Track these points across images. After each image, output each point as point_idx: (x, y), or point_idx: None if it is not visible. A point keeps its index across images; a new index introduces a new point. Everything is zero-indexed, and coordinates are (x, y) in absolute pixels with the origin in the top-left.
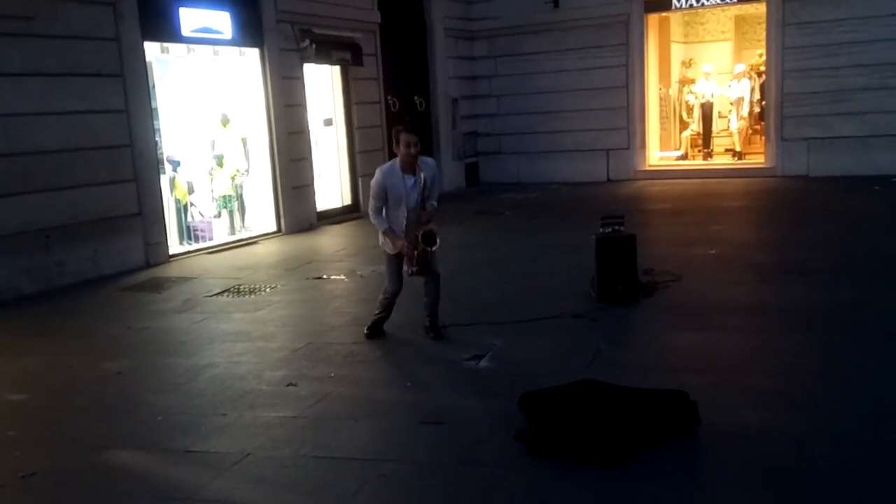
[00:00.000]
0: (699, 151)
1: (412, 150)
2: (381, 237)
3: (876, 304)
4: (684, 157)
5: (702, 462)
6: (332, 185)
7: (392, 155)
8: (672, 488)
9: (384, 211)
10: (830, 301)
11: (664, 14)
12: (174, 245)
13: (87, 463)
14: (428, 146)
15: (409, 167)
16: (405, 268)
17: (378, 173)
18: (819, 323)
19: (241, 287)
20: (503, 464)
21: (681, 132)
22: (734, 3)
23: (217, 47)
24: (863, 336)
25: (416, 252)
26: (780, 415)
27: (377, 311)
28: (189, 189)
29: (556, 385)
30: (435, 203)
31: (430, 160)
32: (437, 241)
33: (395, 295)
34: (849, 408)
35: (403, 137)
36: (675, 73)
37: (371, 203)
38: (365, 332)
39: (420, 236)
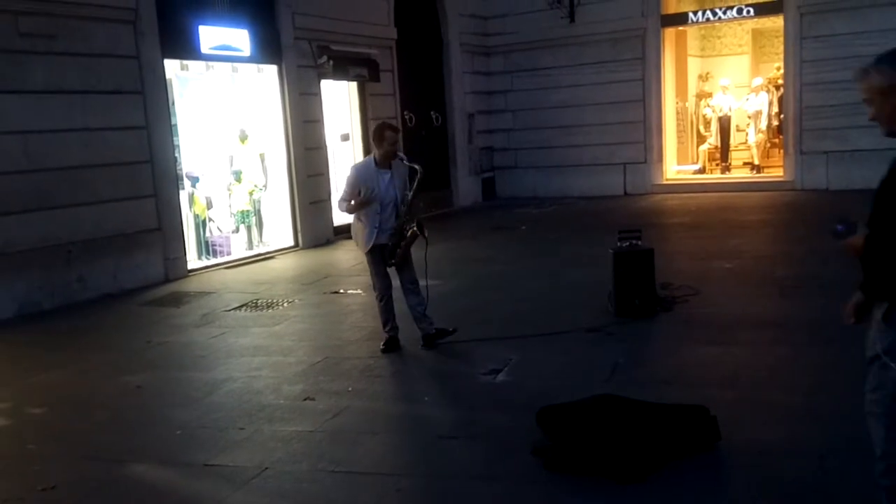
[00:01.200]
0: (717, 165)
1: (396, 147)
2: (354, 234)
3: None
4: (702, 170)
5: (723, 478)
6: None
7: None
8: None
9: (360, 209)
10: None
11: (681, 28)
12: (193, 260)
13: (106, 476)
14: (444, 161)
15: (387, 162)
16: (387, 262)
17: (352, 170)
18: (840, 337)
19: (259, 301)
20: (521, 479)
21: (698, 146)
22: (751, 17)
23: (236, 64)
24: None
25: (401, 243)
26: (802, 430)
27: (385, 328)
28: (208, 204)
29: (575, 400)
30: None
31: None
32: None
33: (387, 294)
34: None
35: (389, 135)
36: (693, 86)
37: (342, 195)
38: (381, 347)
39: (415, 224)
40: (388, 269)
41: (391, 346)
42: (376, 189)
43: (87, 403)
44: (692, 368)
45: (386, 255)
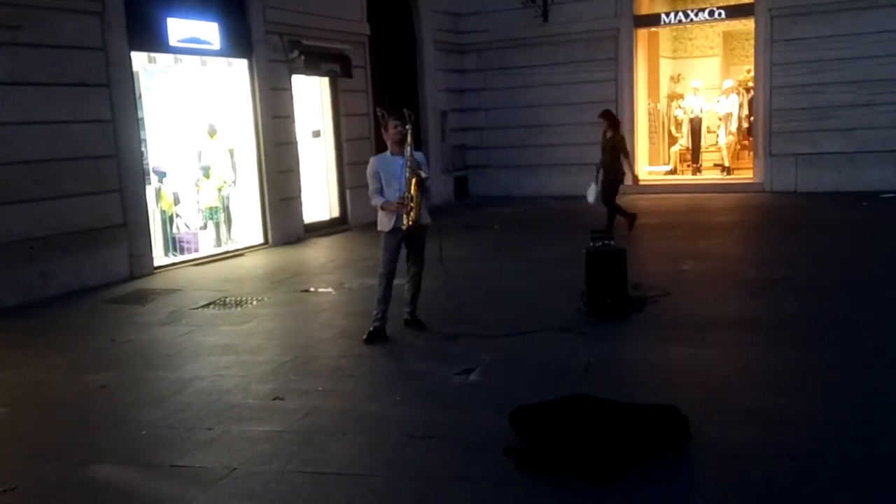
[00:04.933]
0: (688, 166)
1: (400, 129)
2: (379, 218)
3: (865, 319)
4: (673, 171)
5: (693, 478)
6: (319, 198)
7: (380, 146)
8: None
9: (382, 192)
10: (820, 316)
11: (653, 29)
12: (159, 257)
13: (70, 478)
14: None
15: (398, 147)
16: (404, 221)
17: (371, 161)
18: (809, 339)
19: (228, 299)
20: (493, 479)
21: (669, 147)
22: (723, 20)
23: (205, 58)
24: (853, 351)
25: (409, 196)
26: (771, 431)
27: (375, 315)
28: (175, 200)
29: (547, 399)
30: (428, 180)
31: (418, 153)
32: (425, 174)
33: (390, 277)
34: (840, 424)
35: (392, 121)
36: (664, 88)
37: (370, 187)
38: (364, 338)
39: (413, 176)
40: (399, 255)
41: (376, 336)
42: (392, 172)
43: (49, 403)
44: (663, 369)
45: (398, 241)
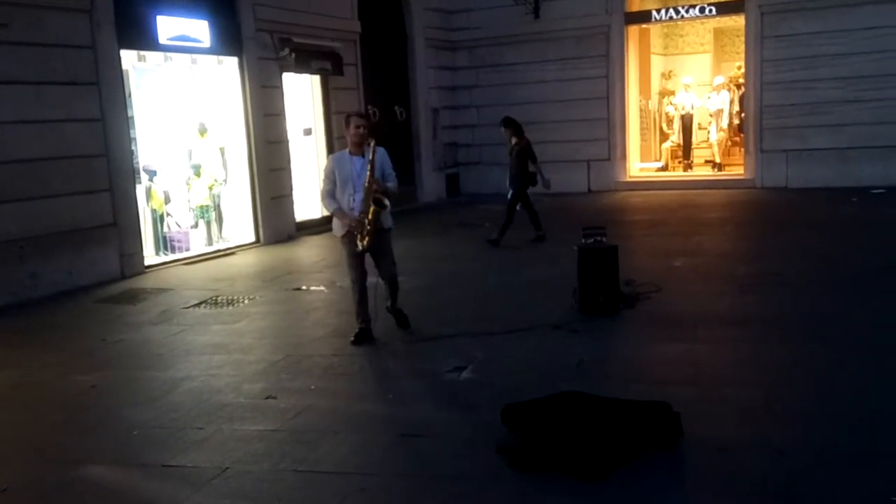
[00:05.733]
0: (679, 163)
1: (361, 130)
2: (333, 222)
3: (855, 314)
4: (665, 168)
5: (685, 474)
6: (311, 196)
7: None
8: (656, 500)
9: (334, 194)
10: (811, 312)
11: (644, 26)
12: (150, 256)
13: (60, 478)
14: (409, 156)
15: (358, 148)
16: (357, 243)
17: (328, 159)
18: (800, 334)
19: (219, 298)
20: (485, 477)
21: (661, 144)
22: (713, 16)
23: (195, 56)
24: (843, 347)
25: (366, 221)
26: (762, 426)
27: (358, 319)
28: (165, 199)
29: (539, 397)
30: (393, 185)
31: (380, 147)
32: (387, 203)
33: (361, 282)
34: (831, 419)
35: (354, 120)
36: (655, 84)
37: (321, 186)
38: (351, 339)
39: (372, 200)
40: (364, 258)
41: (362, 338)
42: (349, 173)
43: (40, 403)
44: (655, 365)
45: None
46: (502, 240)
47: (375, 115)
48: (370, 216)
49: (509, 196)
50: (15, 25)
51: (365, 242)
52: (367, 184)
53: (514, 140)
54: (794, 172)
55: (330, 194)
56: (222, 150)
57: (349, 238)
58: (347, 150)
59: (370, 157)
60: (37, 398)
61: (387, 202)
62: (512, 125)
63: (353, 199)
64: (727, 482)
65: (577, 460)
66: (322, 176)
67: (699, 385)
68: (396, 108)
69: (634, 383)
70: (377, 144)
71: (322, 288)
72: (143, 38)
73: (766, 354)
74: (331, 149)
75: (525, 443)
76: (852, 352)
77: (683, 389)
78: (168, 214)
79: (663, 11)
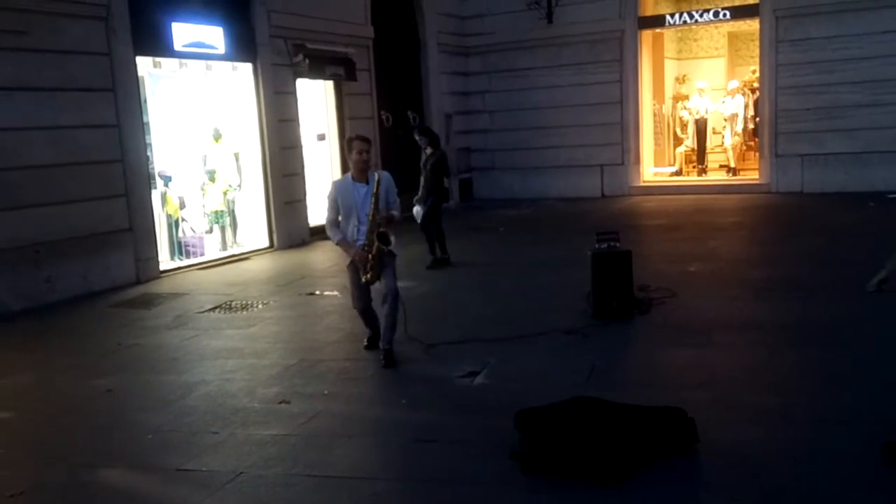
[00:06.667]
0: (693, 167)
1: (364, 156)
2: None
3: (871, 319)
4: (678, 172)
5: (700, 480)
6: (325, 201)
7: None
8: None
9: (339, 223)
10: (826, 317)
11: (658, 30)
12: (165, 261)
13: (76, 482)
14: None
15: (362, 174)
16: (361, 277)
17: (332, 185)
18: (815, 339)
19: (233, 303)
20: (498, 482)
21: (675, 148)
22: (727, 20)
23: (210, 62)
24: (858, 352)
25: (369, 256)
26: (777, 432)
27: (369, 331)
28: (180, 204)
29: (553, 402)
30: (397, 213)
31: (385, 173)
32: (392, 240)
33: (364, 311)
34: (846, 424)
35: (356, 145)
36: (669, 89)
37: (326, 216)
38: (364, 343)
39: (376, 236)
40: (369, 289)
41: (375, 342)
42: (352, 202)
43: (56, 407)
44: (669, 370)
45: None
46: (450, 256)
47: (388, 121)
48: (374, 252)
49: (419, 218)
50: (33, 32)
51: (369, 276)
52: (370, 216)
53: (429, 150)
54: (809, 177)
55: (333, 223)
56: (237, 156)
57: (354, 267)
58: (350, 174)
59: (374, 188)
60: (52, 402)
61: (392, 238)
62: (428, 134)
63: (358, 231)
64: (742, 488)
65: (591, 466)
66: (327, 205)
67: (714, 390)
68: (409, 113)
69: (649, 388)
70: (390, 153)
71: (335, 293)
72: (159, 45)
73: (781, 359)
74: (344, 154)
75: (539, 448)
76: (867, 357)
77: (698, 395)
78: (183, 219)
79: (677, 16)
